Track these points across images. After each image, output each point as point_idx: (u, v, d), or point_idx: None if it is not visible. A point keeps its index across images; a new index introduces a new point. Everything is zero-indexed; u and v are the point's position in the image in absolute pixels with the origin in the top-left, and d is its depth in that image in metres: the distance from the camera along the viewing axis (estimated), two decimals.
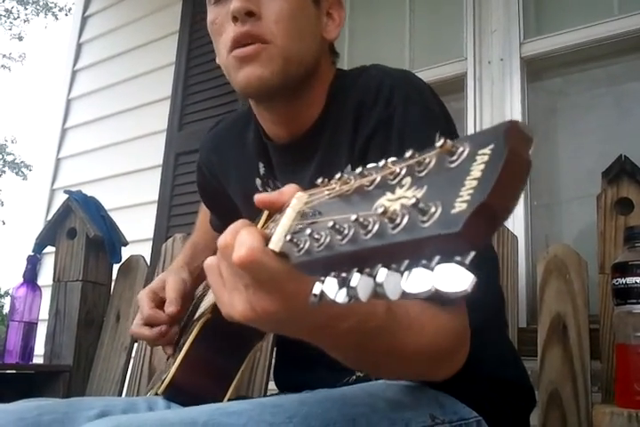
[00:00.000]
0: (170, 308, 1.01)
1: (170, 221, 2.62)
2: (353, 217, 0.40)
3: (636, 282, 1.01)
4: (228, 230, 0.55)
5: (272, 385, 1.20)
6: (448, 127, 0.92)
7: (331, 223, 0.42)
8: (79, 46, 3.43)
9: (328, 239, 0.42)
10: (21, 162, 16.88)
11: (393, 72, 0.94)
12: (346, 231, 0.41)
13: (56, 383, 1.73)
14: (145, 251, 2.20)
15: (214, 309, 0.94)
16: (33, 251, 1.90)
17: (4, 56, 17.17)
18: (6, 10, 16.72)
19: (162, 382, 0.97)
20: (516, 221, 1.80)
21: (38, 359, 1.86)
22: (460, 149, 0.39)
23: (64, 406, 0.91)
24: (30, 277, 1.83)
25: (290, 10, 0.91)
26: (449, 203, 0.37)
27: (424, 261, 0.37)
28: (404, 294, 0.38)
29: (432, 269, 0.37)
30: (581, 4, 1.99)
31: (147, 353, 1.73)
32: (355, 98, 0.92)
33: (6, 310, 8.13)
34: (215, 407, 0.73)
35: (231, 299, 0.55)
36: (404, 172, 0.41)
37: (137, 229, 2.50)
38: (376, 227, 0.39)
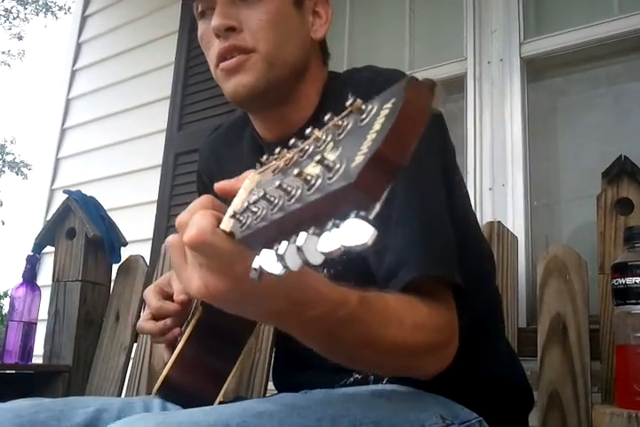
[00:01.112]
0: (180, 296, 0.99)
1: (169, 220, 2.62)
2: (277, 184, 0.42)
3: (635, 282, 1.01)
4: (187, 209, 0.57)
5: (271, 386, 1.20)
6: (441, 136, 0.92)
7: (265, 195, 0.43)
8: (79, 46, 3.43)
9: (264, 211, 0.44)
10: (21, 161, 16.87)
11: (384, 72, 0.95)
12: (276, 201, 0.43)
13: (55, 383, 1.73)
14: (144, 251, 2.20)
15: (202, 303, 0.95)
16: (32, 251, 1.90)
17: (3, 53, 17.16)
18: (6, 9, 16.72)
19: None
20: (516, 222, 1.80)
21: (38, 359, 1.86)
22: (370, 107, 0.40)
23: (60, 404, 0.92)
24: (29, 278, 1.82)
25: (269, 18, 0.94)
26: (351, 157, 0.38)
27: (336, 221, 0.38)
28: (323, 256, 0.39)
29: (339, 227, 0.38)
30: (581, 4, 1.99)
31: (146, 353, 1.72)
32: (346, 97, 0.91)
33: (6, 310, 8.12)
34: (243, 409, 0.73)
35: (189, 275, 0.57)
36: (328, 137, 0.42)
37: (136, 229, 2.50)
38: (298, 192, 0.41)
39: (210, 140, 1.21)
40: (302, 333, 0.68)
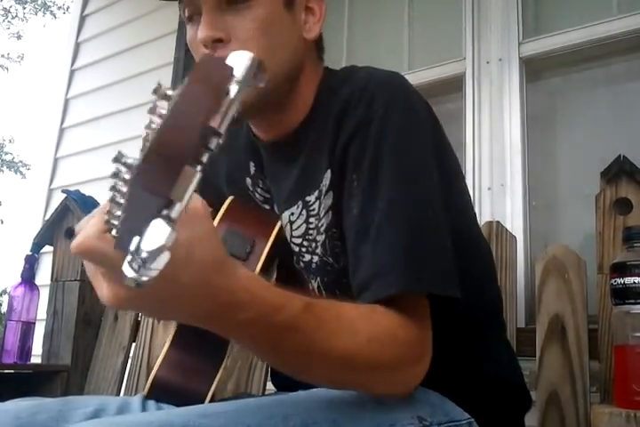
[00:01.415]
0: None
1: None
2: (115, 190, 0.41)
3: (634, 282, 1.01)
4: (89, 214, 0.57)
5: (270, 385, 1.20)
6: (433, 131, 0.90)
7: (113, 200, 0.42)
8: (77, 45, 3.42)
9: (117, 213, 0.42)
10: (20, 161, 16.85)
11: (380, 75, 0.92)
12: (119, 200, 0.41)
13: (54, 383, 1.73)
14: None
15: None
16: (31, 250, 1.90)
17: (3, 56, 17.15)
18: (4, 9, 16.71)
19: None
20: (515, 221, 1.80)
21: (36, 359, 1.86)
22: (170, 93, 0.39)
23: (59, 405, 0.91)
24: (28, 277, 1.82)
25: (257, 26, 0.88)
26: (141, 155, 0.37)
27: (148, 226, 0.37)
28: (153, 256, 0.37)
29: (145, 230, 0.37)
30: (580, 3, 1.99)
31: (144, 353, 1.72)
32: (340, 100, 0.90)
33: (4, 309, 8.12)
34: (194, 409, 0.73)
35: (98, 286, 0.57)
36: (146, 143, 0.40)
37: None
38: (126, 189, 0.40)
39: None
40: (239, 337, 0.66)
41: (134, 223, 0.38)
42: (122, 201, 0.41)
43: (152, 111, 0.39)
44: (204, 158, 0.38)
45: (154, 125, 0.38)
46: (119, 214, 0.42)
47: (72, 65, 3.40)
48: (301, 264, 0.97)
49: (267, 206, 1.05)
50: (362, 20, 2.46)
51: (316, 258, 0.93)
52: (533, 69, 1.98)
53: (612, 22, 1.82)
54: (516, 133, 1.88)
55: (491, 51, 2.01)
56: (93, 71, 3.31)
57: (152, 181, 0.36)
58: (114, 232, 0.45)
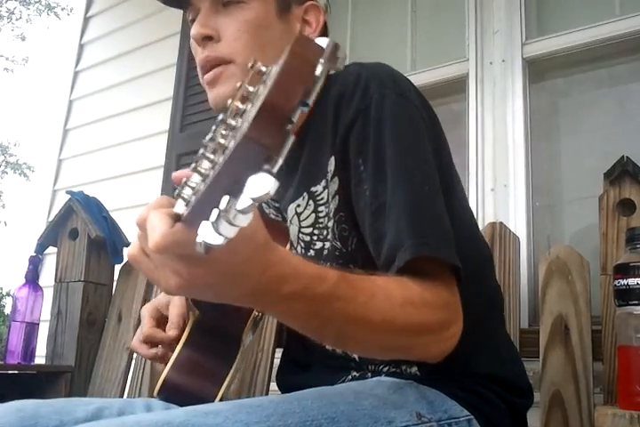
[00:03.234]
0: (170, 331, 1.02)
1: None
2: (205, 157, 0.44)
3: (637, 283, 1.01)
4: (140, 214, 0.59)
5: (274, 386, 1.20)
6: (423, 111, 0.93)
7: (196, 168, 0.45)
8: (81, 47, 3.43)
9: (197, 185, 0.46)
10: (24, 163, 16.87)
11: (369, 65, 0.95)
12: (204, 171, 0.44)
13: (58, 384, 1.73)
14: None
15: (197, 304, 0.96)
16: (35, 251, 1.91)
17: (7, 59, 17.18)
18: (8, 10, 16.74)
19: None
20: (518, 222, 1.80)
21: (40, 360, 1.86)
22: (268, 69, 0.43)
23: (62, 402, 0.94)
24: (32, 278, 1.83)
25: (245, 28, 0.95)
26: (248, 115, 0.41)
27: (248, 180, 0.41)
28: (241, 214, 0.42)
29: (246, 185, 0.41)
30: (583, 4, 1.99)
31: None
32: (335, 93, 0.93)
33: (8, 310, 8.13)
34: (193, 408, 0.74)
35: (164, 275, 0.58)
36: (248, 107, 0.44)
37: None
38: (218, 158, 0.43)
39: None
40: (283, 311, 0.68)
41: (227, 182, 0.42)
42: (207, 167, 0.44)
43: (253, 82, 0.44)
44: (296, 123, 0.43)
45: (259, 90, 0.42)
46: (196, 184, 0.45)
47: (76, 66, 3.41)
48: (311, 252, 0.97)
49: (271, 203, 1.07)
50: (365, 20, 2.46)
51: (327, 244, 0.95)
52: (537, 70, 1.98)
53: (615, 23, 1.81)
54: (519, 134, 1.88)
55: (494, 52, 2.01)
56: (97, 73, 3.32)
57: (263, 134, 0.40)
58: (187, 206, 0.47)
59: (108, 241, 1.86)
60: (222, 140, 0.43)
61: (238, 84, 0.45)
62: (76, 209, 1.88)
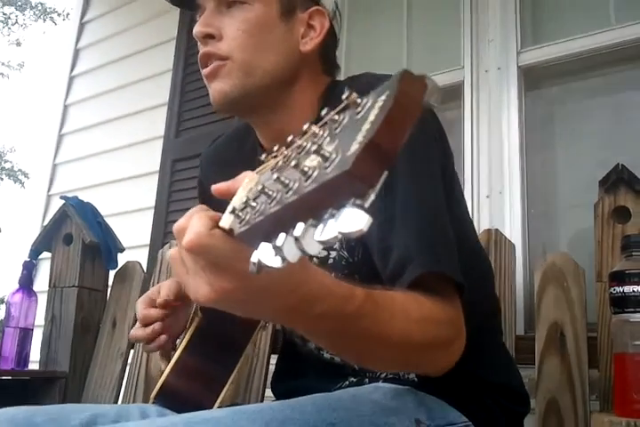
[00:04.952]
0: (159, 299, 0.98)
1: (166, 227, 2.62)
2: (275, 178, 0.43)
3: (633, 291, 1.01)
4: (183, 217, 0.57)
5: (269, 393, 1.19)
6: (432, 125, 0.93)
7: (264, 190, 0.45)
8: (76, 52, 3.43)
9: (262, 206, 0.45)
10: (19, 170, 16.81)
11: (382, 77, 0.95)
12: (274, 194, 0.44)
13: (52, 390, 1.72)
14: (141, 257, 2.19)
15: (202, 309, 0.95)
16: (29, 257, 1.90)
17: (3, 64, 17.15)
18: (4, 15, 16.73)
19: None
20: (514, 229, 1.80)
21: (34, 366, 1.85)
22: (365, 101, 0.42)
23: (57, 409, 0.93)
24: (26, 283, 1.82)
25: (246, 27, 0.96)
26: (347, 148, 0.39)
27: (333, 211, 0.40)
28: (321, 245, 0.41)
29: (336, 216, 0.39)
30: (578, 13, 2.00)
31: (143, 359, 1.72)
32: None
33: (2, 316, 8.09)
34: (192, 415, 0.73)
35: (195, 283, 0.57)
36: (325, 132, 0.43)
37: (133, 235, 2.50)
38: (295, 184, 0.42)
39: (211, 149, 1.22)
40: (311, 329, 0.68)
41: (307, 210, 0.41)
42: (278, 189, 0.43)
43: (343, 111, 0.43)
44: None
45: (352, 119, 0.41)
46: (258, 203, 0.45)
47: (71, 71, 3.41)
48: (315, 260, 0.97)
49: None
50: (360, 29, 2.47)
51: (333, 253, 0.95)
52: (532, 78, 1.99)
53: (611, 32, 1.83)
54: (514, 142, 1.89)
55: (489, 60, 2.01)
56: (92, 78, 3.32)
57: (364, 172, 0.39)
58: (242, 223, 0.47)
59: (102, 246, 1.86)
60: (306, 165, 0.42)
61: (324, 111, 0.45)
62: (70, 214, 1.87)
